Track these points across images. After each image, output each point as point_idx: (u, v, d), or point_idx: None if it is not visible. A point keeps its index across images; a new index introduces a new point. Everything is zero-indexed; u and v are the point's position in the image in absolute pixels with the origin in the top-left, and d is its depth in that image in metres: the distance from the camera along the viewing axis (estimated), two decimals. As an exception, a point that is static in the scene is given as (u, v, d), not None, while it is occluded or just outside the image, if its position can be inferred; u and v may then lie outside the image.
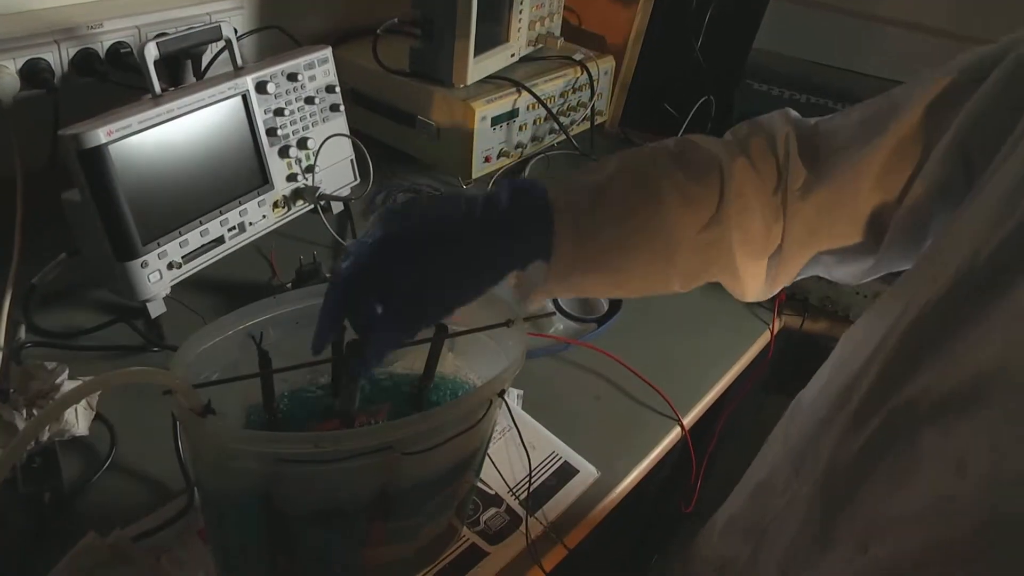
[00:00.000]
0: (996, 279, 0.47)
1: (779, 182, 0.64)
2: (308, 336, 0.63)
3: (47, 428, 0.73)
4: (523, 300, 0.65)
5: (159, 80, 0.85)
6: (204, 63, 1.03)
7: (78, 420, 0.74)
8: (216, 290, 0.97)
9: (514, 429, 0.86)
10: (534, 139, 1.34)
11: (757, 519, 0.67)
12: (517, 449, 0.86)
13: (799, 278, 0.69)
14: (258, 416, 0.63)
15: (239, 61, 0.93)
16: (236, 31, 0.93)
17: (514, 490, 0.82)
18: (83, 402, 0.76)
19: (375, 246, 0.56)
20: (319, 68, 1.01)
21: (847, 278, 0.69)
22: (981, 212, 0.51)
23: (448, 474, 0.65)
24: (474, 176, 1.25)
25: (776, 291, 0.70)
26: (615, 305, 1.10)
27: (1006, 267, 0.46)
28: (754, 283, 0.67)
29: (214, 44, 0.96)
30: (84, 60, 0.96)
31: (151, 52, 0.83)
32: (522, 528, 0.78)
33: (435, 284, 0.57)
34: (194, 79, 1.03)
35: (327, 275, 0.98)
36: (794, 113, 0.68)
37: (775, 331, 1.12)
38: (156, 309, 0.88)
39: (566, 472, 0.85)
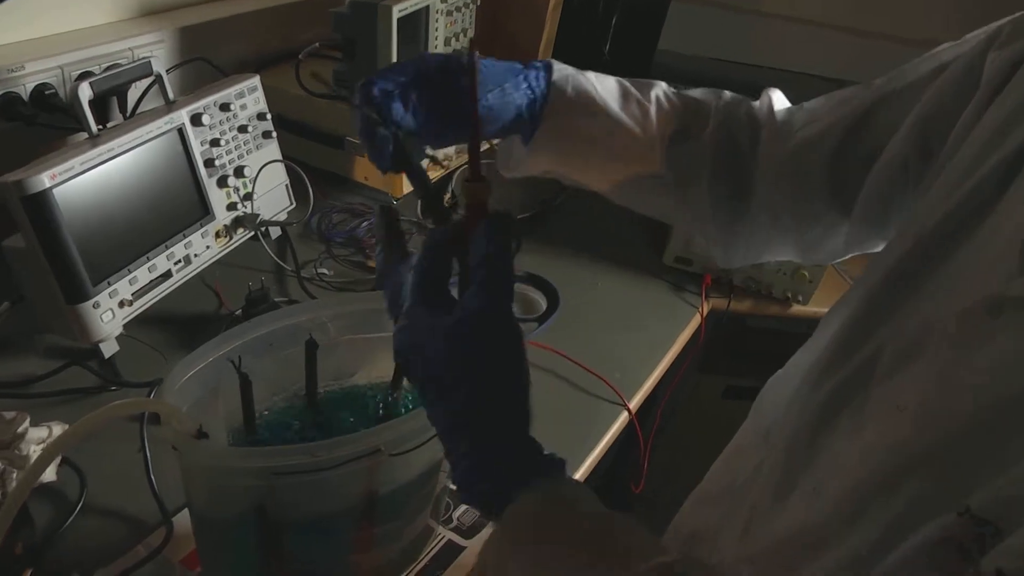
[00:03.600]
0: (941, 246, 0.53)
1: (758, 123, 0.71)
2: (284, 355, 0.66)
3: (14, 477, 0.73)
4: (506, 166, 0.74)
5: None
6: (129, 99, 1.03)
7: (47, 465, 0.74)
8: (166, 324, 0.97)
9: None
10: (459, 151, 1.38)
11: (727, 485, 0.72)
12: (479, 448, 0.89)
13: (771, 257, 0.76)
14: (239, 438, 0.65)
15: (170, 95, 0.94)
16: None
17: (483, 486, 0.86)
18: (49, 447, 0.76)
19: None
20: (249, 96, 1.02)
21: (819, 254, 0.75)
22: (937, 190, 0.56)
23: (426, 474, 0.68)
24: (404, 192, 1.28)
25: (752, 259, 0.76)
26: (553, 304, 1.15)
27: (951, 235, 0.52)
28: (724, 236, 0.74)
29: (140, 80, 0.96)
30: (8, 104, 0.95)
31: (85, 92, 0.83)
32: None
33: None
34: (120, 116, 1.03)
35: (275, 300, 1.00)
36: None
37: (704, 313, 1.19)
38: (109, 349, 0.88)
39: (529, 464, 0.89)
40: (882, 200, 0.66)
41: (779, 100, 0.74)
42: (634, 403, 1.03)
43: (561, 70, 0.69)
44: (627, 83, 0.73)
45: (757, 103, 0.74)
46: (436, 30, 1.28)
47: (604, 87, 0.71)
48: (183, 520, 0.75)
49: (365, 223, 1.24)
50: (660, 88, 0.73)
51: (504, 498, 0.46)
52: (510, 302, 0.48)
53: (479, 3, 1.39)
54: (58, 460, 0.77)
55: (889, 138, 0.63)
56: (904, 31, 1.72)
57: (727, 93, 0.74)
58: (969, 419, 0.46)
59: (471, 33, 1.41)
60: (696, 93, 0.74)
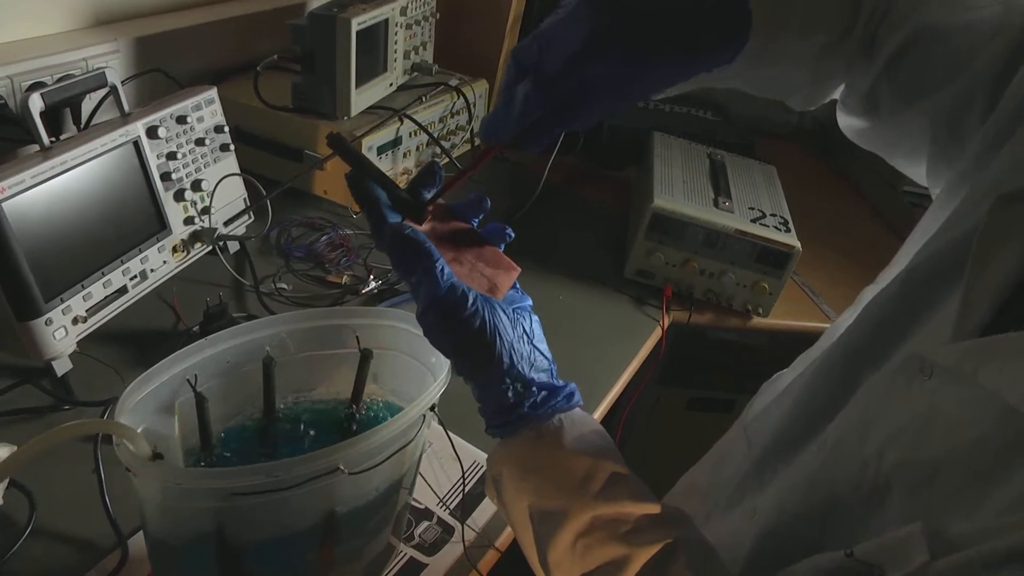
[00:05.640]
0: (924, 290, 0.51)
1: None
2: (242, 372, 0.65)
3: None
4: None
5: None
6: (84, 110, 1.01)
7: (-8, 489, 0.72)
8: (122, 341, 0.95)
9: (434, 447, 0.89)
10: (418, 164, 1.38)
11: (709, 485, 0.73)
12: (441, 464, 0.89)
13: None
14: (196, 458, 0.64)
15: (126, 107, 0.92)
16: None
17: (444, 500, 0.85)
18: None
19: None
20: (206, 109, 1.01)
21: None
22: (932, 218, 0.55)
23: (387, 491, 0.68)
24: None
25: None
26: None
27: (930, 282, 0.50)
28: None
29: (94, 91, 0.94)
30: (-45, 116, 0.92)
31: (36, 103, 0.81)
32: (455, 538, 0.82)
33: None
34: (74, 128, 1.01)
35: (234, 315, 0.98)
36: None
37: (665, 326, 1.20)
38: (62, 367, 0.86)
39: (492, 479, 0.89)
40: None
41: None
42: (597, 415, 1.04)
43: None
44: None
45: None
46: (395, 43, 1.28)
47: None
48: (138, 543, 0.73)
49: (324, 237, 1.23)
50: None
51: (513, 432, 0.57)
52: (454, 283, 0.55)
53: (438, 16, 1.40)
54: (5, 483, 0.75)
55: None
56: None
57: None
58: (871, 473, 0.47)
59: (430, 45, 1.41)
60: None
